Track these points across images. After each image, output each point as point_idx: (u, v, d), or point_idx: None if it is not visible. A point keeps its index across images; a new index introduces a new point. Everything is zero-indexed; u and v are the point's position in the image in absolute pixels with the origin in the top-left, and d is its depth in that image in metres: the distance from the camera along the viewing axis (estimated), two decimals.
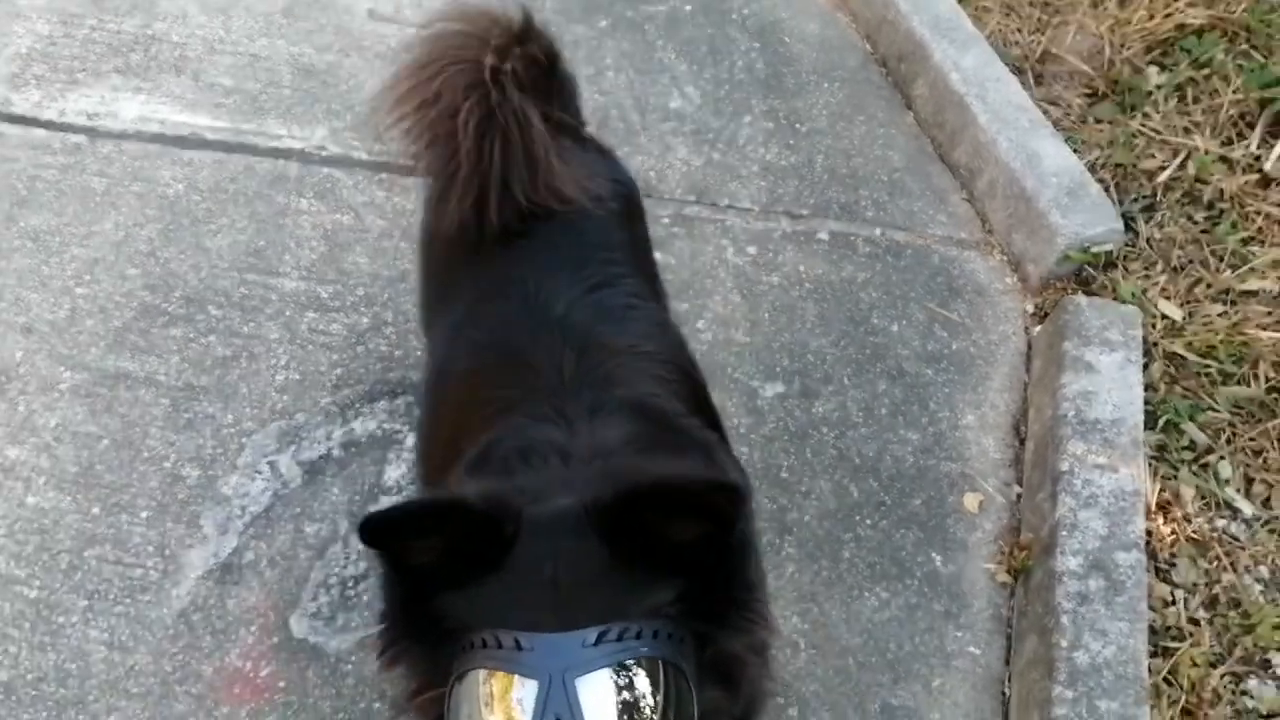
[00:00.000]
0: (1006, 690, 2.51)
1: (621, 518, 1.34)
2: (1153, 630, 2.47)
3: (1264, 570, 2.62)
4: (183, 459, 2.83)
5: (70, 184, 3.44)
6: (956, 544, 2.72)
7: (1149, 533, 2.61)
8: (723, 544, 1.38)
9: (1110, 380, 2.79)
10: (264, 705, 2.45)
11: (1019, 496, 2.81)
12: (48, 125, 3.61)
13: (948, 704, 2.48)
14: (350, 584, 2.62)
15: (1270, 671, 2.47)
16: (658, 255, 3.20)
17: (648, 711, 1.31)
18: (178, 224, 3.34)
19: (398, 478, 2.78)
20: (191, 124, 3.62)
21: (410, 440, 2.83)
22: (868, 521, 2.76)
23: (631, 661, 1.30)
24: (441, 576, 1.37)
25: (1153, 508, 2.66)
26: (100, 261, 3.24)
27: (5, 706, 2.43)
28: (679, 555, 1.35)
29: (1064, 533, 2.53)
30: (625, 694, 1.29)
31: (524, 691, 1.28)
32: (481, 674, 1.31)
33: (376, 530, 1.35)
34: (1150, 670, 2.37)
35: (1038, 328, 3.11)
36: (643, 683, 1.31)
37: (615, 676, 1.28)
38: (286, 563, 2.66)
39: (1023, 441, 2.91)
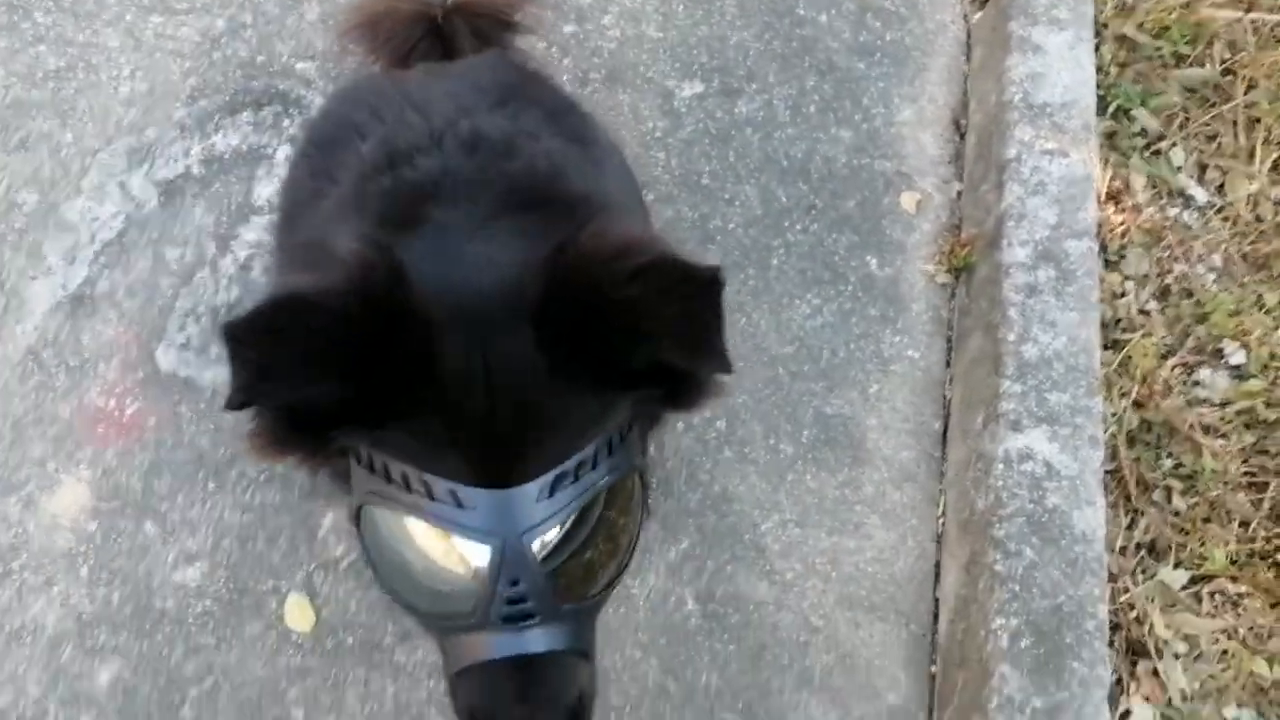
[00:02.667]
0: (947, 392, 2.34)
1: (567, 311, 1.03)
2: (1103, 324, 2.29)
3: (1217, 259, 2.45)
4: (17, 183, 2.45)
5: None
6: (893, 246, 2.50)
7: (1098, 225, 2.41)
8: (697, 335, 1.06)
9: (1059, 61, 2.53)
10: (133, 445, 2.18)
11: (959, 194, 2.58)
12: None
13: (885, 409, 2.31)
14: (222, 311, 2.32)
15: (1223, 361, 2.33)
16: None
17: (605, 536, 1.15)
18: None
19: (269, 196, 2.44)
20: None
21: (282, 153, 2.49)
22: (797, 226, 2.52)
23: (590, 500, 1.09)
24: (339, 409, 1.06)
25: (1103, 197, 2.46)
26: None
27: None
28: (637, 351, 1.06)
29: (1011, 223, 2.32)
30: (585, 531, 1.14)
31: (470, 548, 1.08)
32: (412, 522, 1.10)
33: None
34: (1100, 363, 2.21)
35: (978, 15, 2.82)
36: (600, 512, 1.14)
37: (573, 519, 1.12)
38: (147, 292, 2.34)
39: (963, 136, 2.66)
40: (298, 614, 2.04)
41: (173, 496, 2.14)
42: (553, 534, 1.12)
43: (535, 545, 1.07)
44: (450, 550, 1.12)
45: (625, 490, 1.17)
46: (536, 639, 1.08)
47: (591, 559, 1.16)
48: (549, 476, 1.05)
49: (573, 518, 1.12)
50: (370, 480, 1.08)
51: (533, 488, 1.04)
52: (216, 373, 2.25)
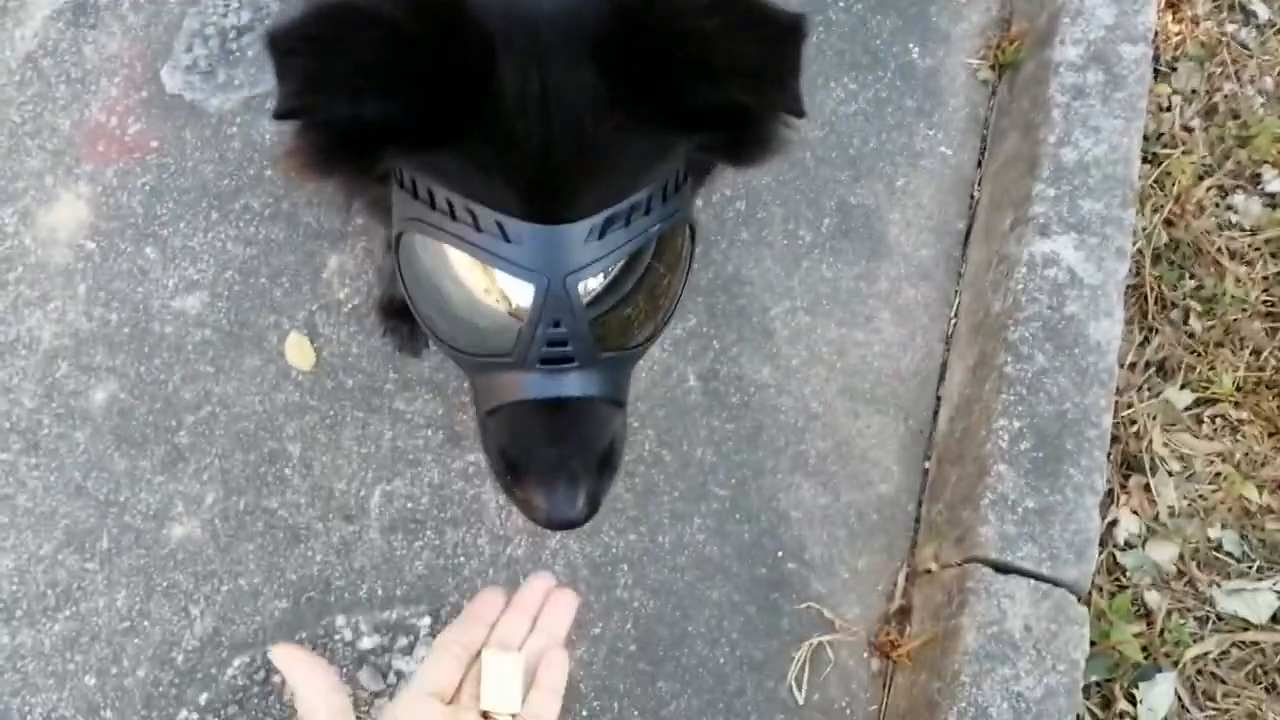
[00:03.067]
0: (976, 193, 2.27)
1: (633, 40, 0.94)
2: (1144, 137, 2.22)
3: (1269, 82, 2.35)
4: None
5: None
6: (938, 35, 2.38)
7: (1154, 32, 2.30)
8: (771, 78, 0.96)
9: None
10: (134, 165, 2.11)
11: None
12: None
13: (910, 204, 2.25)
14: (232, 35, 2.21)
15: (1259, 187, 2.27)
16: None
17: (650, 289, 1.10)
18: None
19: None
20: None
21: None
22: (840, 4, 2.39)
23: (639, 247, 1.04)
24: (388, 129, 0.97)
25: (1162, 4, 2.34)
26: None
27: None
28: (704, 89, 0.97)
29: (1066, 19, 2.20)
30: (631, 280, 1.10)
31: (513, 285, 1.03)
32: (454, 253, 1.03)
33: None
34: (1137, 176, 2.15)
35: None
36: (648, 262, 1.08)
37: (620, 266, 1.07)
38: (153, 7, 2.22)
39: None
40: (298, 352, 2.02)
41: (174, 223, 2.08)
42: (597, 281, 1.08)
43: (580, 289, 1.02)
44: (491, 286, 1.07)
45: (674, 243, 1.11)
46: (574, 383, 1.05)
47: (633, 312, 1.11)
48: (600, 217, 0.98)
49: (620, 264, 1.07)
50: (413, 206, 1.02)
51: (582, 227, 0.97)
52: (224, 99, 2.16)
